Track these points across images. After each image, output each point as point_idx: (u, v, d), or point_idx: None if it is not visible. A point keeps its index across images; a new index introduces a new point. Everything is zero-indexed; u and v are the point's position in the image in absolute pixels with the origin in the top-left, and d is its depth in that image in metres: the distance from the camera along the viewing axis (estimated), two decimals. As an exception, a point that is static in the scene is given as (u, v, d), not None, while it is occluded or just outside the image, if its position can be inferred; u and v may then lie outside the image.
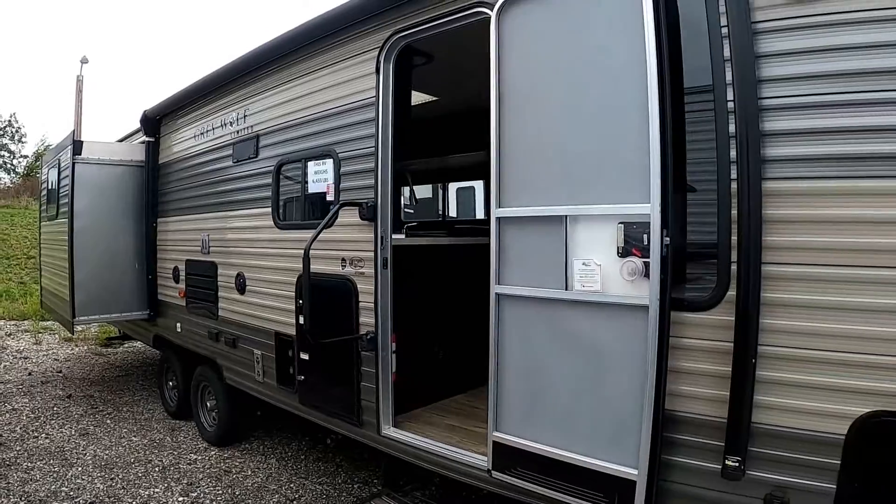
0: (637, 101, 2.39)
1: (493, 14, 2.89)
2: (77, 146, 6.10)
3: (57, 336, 10.31)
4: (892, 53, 2.10)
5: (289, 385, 4.44)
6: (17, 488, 4.56)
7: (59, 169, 6.63)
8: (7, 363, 8.48)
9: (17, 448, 5.35)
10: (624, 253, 2.42)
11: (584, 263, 2.53)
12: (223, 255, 5.31)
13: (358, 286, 3.88)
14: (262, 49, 4.70)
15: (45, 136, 46.18)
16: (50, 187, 7.31)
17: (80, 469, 4.96)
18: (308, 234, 3.82)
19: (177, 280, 6.08)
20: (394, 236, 3.84)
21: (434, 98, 5.87)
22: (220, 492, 4.62)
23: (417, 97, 5.87)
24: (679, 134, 2.50)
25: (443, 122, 6.04)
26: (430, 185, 8.13)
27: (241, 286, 5.03)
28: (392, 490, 3.75)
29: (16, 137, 44.37)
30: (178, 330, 6.09)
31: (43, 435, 5.71)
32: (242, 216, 5.05)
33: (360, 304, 3.87)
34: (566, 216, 2.59)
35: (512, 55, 2.83)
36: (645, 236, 2.36)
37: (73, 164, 6.07)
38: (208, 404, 5.77)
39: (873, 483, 2.24)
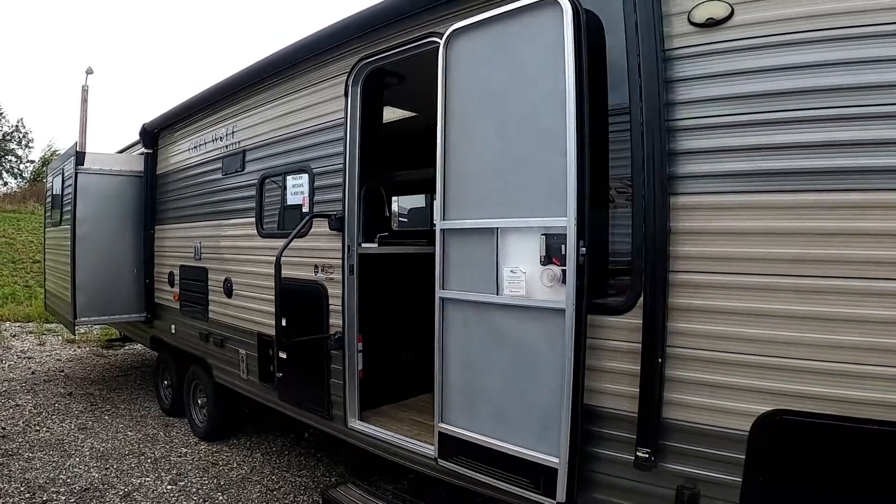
0: (558, 125, 2.67)
1: (441, 43, 3.20)
2: (80, 157, 6.46)
3: (60, 338, 10.69)
4: (790, 75, 2.34)
5: (269, 382, 4.74)
6: (18, 475, 4.89)
7: (62, 178, 6.99)
8: (11, 363, 8.85)
9: (20, 440, 5.69)
10: (545, 261, 2.70)
11: (511, 271, 2.82)
12: (213, 261, 5.64)
13: (328, 290, 4.19)
14: (248, 71, 5.03)
15: (53, 140, 46.57)
16: (54, 194, 7.69)
17: (77, 459, 5.29)
18: (274, 244, 4.20)
19: (172, 284, 6.42)
20: (365, 245, 4.15)
21: (414, 114, 6.18)
22: (206, 482, 4.93)
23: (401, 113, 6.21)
24: (601, 153, 2.78)
25: (424, 136, 6.33)
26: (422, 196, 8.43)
27: (228, 290, 5.35)
28: (359, 480, 4.04)
29: (23, 142, 44.89)
30: (173, 331, 6.43)
31: (44, 429, 6.05)
32: (230, 225, 5.37)
33: (330, 306, 4.17)
34: (498, 228, 2.88)
35: (456, 81, 3.13)
36: (563, 246, 2.63)
37: (76, 173, 6.43)
38: (199, 402, 6.08)
39: (775, 477, 2.45)
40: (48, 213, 8.45)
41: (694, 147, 2.55)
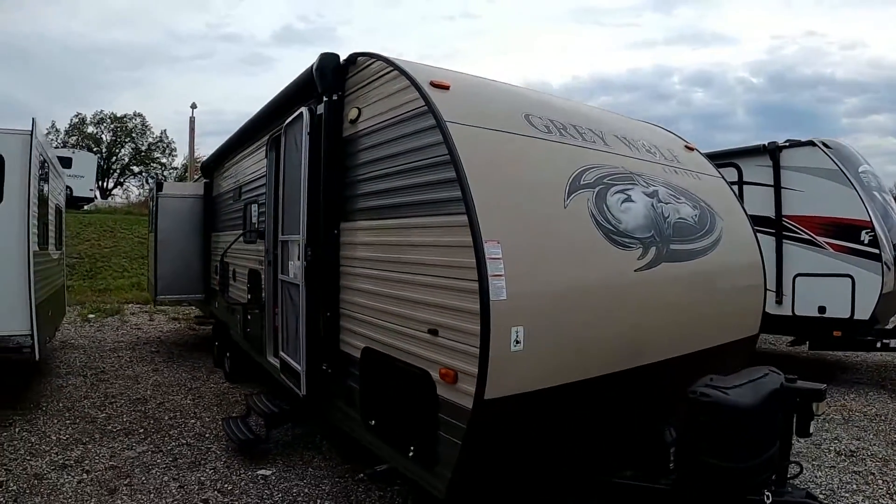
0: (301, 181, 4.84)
1: (282, 131, 5.50)
2: (159, 185, 9.53)
3: (167, 316, 14.14)
4: (406, 146, 3.81)
5: (245, 336, 7.31)
6: (102, 390, 7.85)
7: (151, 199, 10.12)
8: (125, 332, 12.27)
9: (112, 374, 8.74)
10: (300, 258, 4.93)
11: (291, 262, 5.12)
12: (229, 258, 8.33)
13: (262, 276, 6.64)
14: (237, 134, 7.69)
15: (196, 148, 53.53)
16: (150, 210, 10.91)
17: (142, 385, 8.18)
18: (252, 247, 6.73)
19: (216, 274, 9.25)
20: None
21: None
22: (214, 401, 7.53)
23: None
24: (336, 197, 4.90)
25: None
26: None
27: (234, 276, 8.01)
28: (269, 393, 6.39)
29: (166, 151, 52.27)
30: (216, 306, 9.26)
31: (129, 369, 9.09)
32: (234, 234, 8.02)
33: (263, 285, 6.62)
34: (288, 241, 5.19)
35: (284, 154, 5.45)
36: (302, 250, 4.84)
37: (157, 198, 9.47)
38: (227, 355, 8.79)
39: (372, 384, 4.16)
40: (149, 222, 11.78)
41: (350, 193, 4.50)
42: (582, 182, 3.90)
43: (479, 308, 3.01)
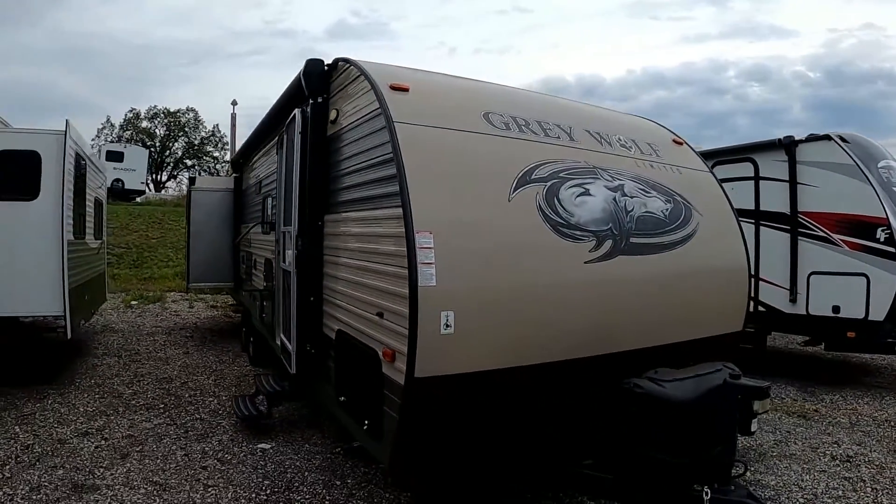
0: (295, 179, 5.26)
1: (285, 136, 5.93)
2: (192, 180, 10.16)
3: (206, 304, 14.88)
4: (367, 144, 4.18)
5: (262, 321, 7.80)
6: (132, 369, 8.49)
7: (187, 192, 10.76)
8: (164, 317, 12.99)
9: (145, 356, 9.40)
10: (293, 248, 5.34)
11: (287, 251, 5.52)
12: (252, 247, 8.87)
13: (273, 263, 7.09)
14: (253, 134, 8.18)
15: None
16: (186, 203, 11.57)
17: (170, 366, 8.78)
18: (268, 238, 7.20)
19: (243, 263, 9.81)
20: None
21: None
22: (234, 381, 8.07)
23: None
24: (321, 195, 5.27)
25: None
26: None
27: (255, 265, 8.52)
28: (277, 375, 6.84)
29: (218, 145, 53.11)
30: (243, 293, 9.82)
31: (162, 352, 9.73)
32: (255, 225, 8.54)
33: (274, 272, 7.07)
34: (286, 231, 5.59)
35: (287, 147, 5.86)
36: (294, 240, 5.24)
37: (190, 191, 10.09)
38: (251, 339, 9.33)
39: (341, 361, 4.57)
40: (185, 214, 12.47)
41: (332, 188, 4.90)
42: (533, 177, 4.13)
43: (408, 292, 3.30)
